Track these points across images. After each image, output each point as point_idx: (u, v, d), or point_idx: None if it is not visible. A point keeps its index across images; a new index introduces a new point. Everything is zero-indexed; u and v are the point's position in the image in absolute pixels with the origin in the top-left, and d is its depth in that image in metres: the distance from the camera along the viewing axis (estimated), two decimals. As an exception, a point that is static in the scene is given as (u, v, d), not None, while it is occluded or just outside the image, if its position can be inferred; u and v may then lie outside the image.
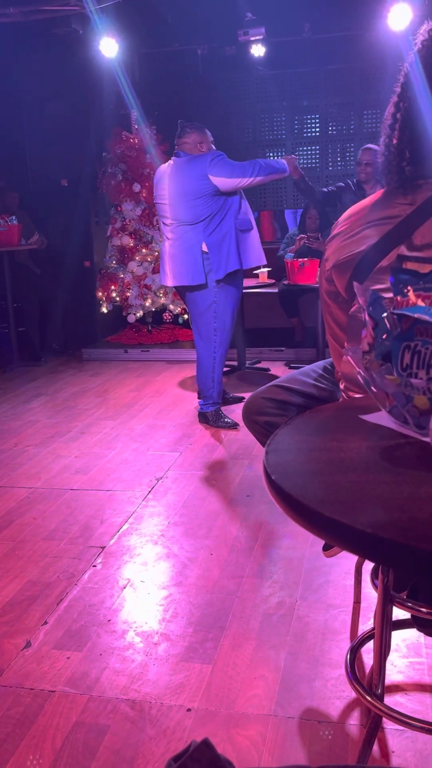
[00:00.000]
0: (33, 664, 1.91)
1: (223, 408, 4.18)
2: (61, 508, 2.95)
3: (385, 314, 1.09)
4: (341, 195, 5.15)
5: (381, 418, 1.17)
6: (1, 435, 4.00)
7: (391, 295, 1.19)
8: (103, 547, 2.58)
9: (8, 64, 6.06)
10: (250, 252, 3.88)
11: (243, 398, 4.39)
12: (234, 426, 3.89)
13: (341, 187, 5.21)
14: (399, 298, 1.16)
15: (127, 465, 3.44)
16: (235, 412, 4.18)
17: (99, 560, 2.48)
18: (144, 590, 2.28)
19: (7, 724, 1.68)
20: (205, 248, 3.77)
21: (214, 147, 3.92)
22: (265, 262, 4.03)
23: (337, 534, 0.89)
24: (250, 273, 5.38)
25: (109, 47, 5.55)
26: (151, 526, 2.75)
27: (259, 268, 4.98)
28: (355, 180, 5.21)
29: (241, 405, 4.35)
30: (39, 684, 1.83)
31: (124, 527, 2.75)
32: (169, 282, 3.93)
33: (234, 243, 3.79)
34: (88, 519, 2.84)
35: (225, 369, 5.30)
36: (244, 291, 5.23)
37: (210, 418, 3.99)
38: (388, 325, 1.09)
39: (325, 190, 5.26)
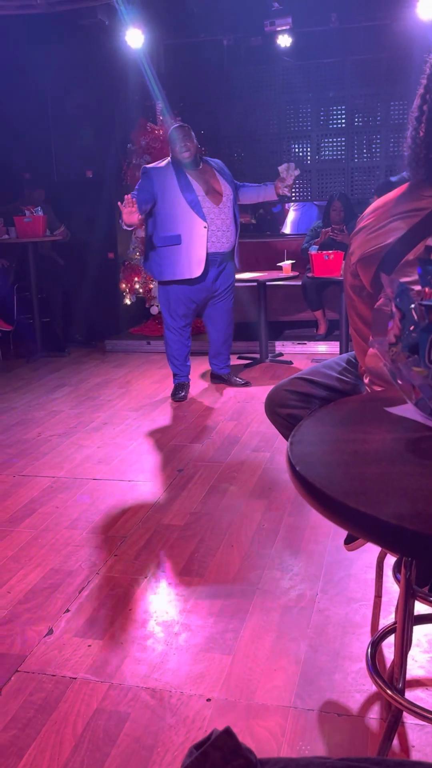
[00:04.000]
0: (55, 651, 1.93)
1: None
2: (84, 498, 2.97)
3: (412, 305, 1.08)
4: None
5: (407, 410, 1.16)
6: (24, 424, 4.04)
7: (419, 287, 1.17)
8: (124, 537, 2.59)
9: (34, 56, 6.08)
10: (165, 267, 4.17)
11: (249, 383, 4.66)
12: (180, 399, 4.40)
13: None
14: (427, 289, 1.14)
15: (148, 456, 3.45)
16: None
17: (120, 549, 2.50)
18: (165, 580, 2.29)
19: (29, 710, 1.70)
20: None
21: (174, 153, 4.17)
22: (185, 277, 4.16)
23: (361, 525, 0.88)
24: (273, 265, 5.36)
25: (134, 38, 5.55)
26: (173, 516, 2.76)
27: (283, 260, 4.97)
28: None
29: (246, 389, 4.52)
30: (60, 671, 1.84)
31: (146, 517, 2.76)
32: None
33: (152, 253, 4.22)
34: (109, 509, 2.85)
35: (247, 361, 5.33)
36: (267, 284, 5.25)
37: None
38: (415, 317, 1.08)
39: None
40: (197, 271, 4.12)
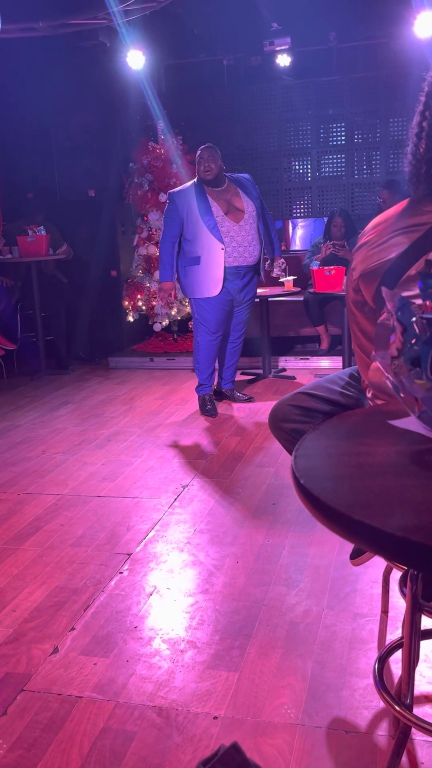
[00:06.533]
0: (60, 669, 1.92)
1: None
2: (88, 515, 2.96)
3: (414, 319, 1.09)
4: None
5: (410, 423, 1.16)
6: (29, 442, 4.04)
7: (420, 301, 1.18)
8: (129, 554, 2.59)
9: (37, 77, 6.16)
10: (187, 285, 4.38)
11: (252, 399, 4.71)
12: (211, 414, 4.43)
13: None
14: (428, 303, 1.15)
15: (153, 472, 3.45)
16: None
17: (125, 567, 2.49)
18: (170, 597, 2.28)
19: (35, 729, 1.69)
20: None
21: (198, 173, 4.32)
22: (204, 296, 4.32)
23: (366, 537, 0.88)
24: (276, 281, 5.39)
25: (135, 59, 5.62)
26: (177, 533, 2.75)
27: (285, 276, 5.00)
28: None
29: (249, 405, 4.54)
30: (66, 689, 1.83)
31: (151, 534, 2.75)
32: None
33: (180, 271, 4.38)
34: (114, 526, 2.85)
35: (250, 377, 5.34)
36: (270, 300, 5.28)
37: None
38: (417, 330, 1.08)
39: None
40: (215, 290, 4.29)
